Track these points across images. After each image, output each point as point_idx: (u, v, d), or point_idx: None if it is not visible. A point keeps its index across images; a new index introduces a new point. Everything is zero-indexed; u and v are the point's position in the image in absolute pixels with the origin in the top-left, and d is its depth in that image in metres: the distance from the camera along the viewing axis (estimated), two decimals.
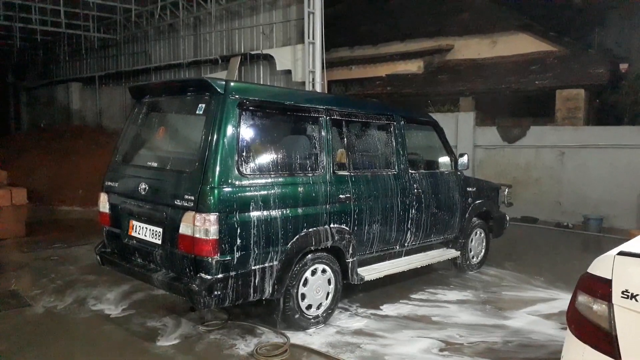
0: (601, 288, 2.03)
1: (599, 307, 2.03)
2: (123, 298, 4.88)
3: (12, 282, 5.42)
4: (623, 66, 13.03)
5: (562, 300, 5.13)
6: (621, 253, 2.03)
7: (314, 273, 4.24)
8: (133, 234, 4.19)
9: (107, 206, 4.48)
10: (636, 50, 13.79)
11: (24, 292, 5.04)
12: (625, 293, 1.95)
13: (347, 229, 4.45)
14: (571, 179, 9.85)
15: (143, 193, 4.05)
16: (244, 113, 3.83)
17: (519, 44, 14.17)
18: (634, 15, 13.96)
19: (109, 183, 4.50)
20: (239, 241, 3.65)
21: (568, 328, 2.19)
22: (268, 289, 3.90)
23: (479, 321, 4.57)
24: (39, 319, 4.38)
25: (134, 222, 4.19)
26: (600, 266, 2.08)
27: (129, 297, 4.91)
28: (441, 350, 3.92)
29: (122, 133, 4.71)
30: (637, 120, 10.69)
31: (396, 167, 5.07)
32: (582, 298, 2.11)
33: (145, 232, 4.06)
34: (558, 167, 10.05)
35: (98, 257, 4.55)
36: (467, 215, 5.97)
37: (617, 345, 1.96)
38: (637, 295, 1.92)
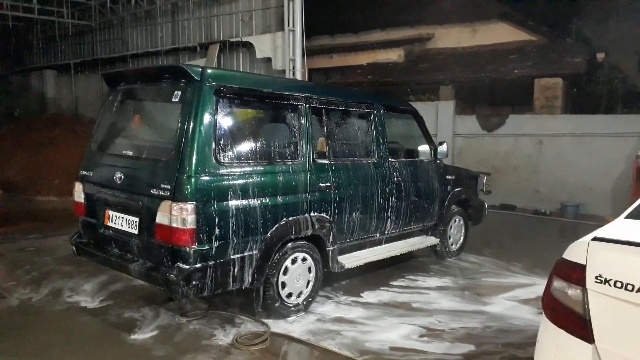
0: (576, 273, 2.05)
1: (573, 292, 2.05)
2: (100, 289, 4.81)
3: None
4: (600, 55, 13.20)
5: (539, 286, 5.21)
6: (595, 239, 2.06)
7: (294, 262, 4.23)
8: (109, 223, 4.11)
9: (83, 196, 4.38)
10: (613, 40, 13.98)
11: None
12: (599, 278, 1.98)
13: (328, 217, 4.43)
14: (549, 166, 9.99)
15: (119, 182, 3.97)
16: (221, 100, 3.77)
17: (499, 33, 14.26)
18: (611, 5, 14.12)
19: (84, 172, 4.40)
20: (217, 230, 3.61)
21: (543, 313, 2.22)
22: (248, 278, 3.87)
23: (459, 307, 4.62)
24: (14, 311, 4.29)
25: (110, 212, 4.11)
26: (575, 252, 2.11)
27: (106, 288, 4.83)
28: (421, 336, 3.96)
29: (97, 121, 4.60)
30: (613, 109, 10.88)
31: (376, 156, 5.06)
32: (557, 283, 2.14)
33: (122, 221, 3.98)
34: (536, 156, 10.18)
35: (74, 248, 4.47)
36: (446, 203, 6.01)
37: (591, 329, 1.99)
38: (611, 280, 1.94)
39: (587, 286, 2.01)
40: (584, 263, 2.03)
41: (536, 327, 2.33)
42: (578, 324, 2.03)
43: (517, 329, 4.14)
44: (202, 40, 11.90)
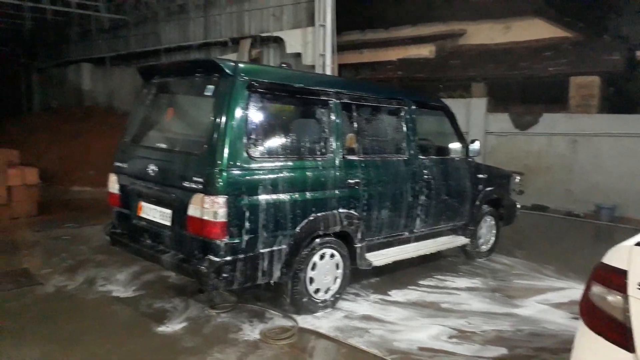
0: (616, 279, 1.98)
1: (613, 298, 1.99)
2: (132, 279, 4.91)
3: (24, 260, 5.48)
4: (639, 53, 12.76)
5: (572, 290, 5.08)
6: (639, 244, 1.99)
7: (322, 257, 4.23)
8: (142, 215, 4.19)
9: (117, 187, 4.48)
10: None
11: (35, 271, 5.09)
12: None
13: (356, 214, 4.42)
14: (583, 167, 9.72)
15: (152, 174, 4.04)
16: (253, 95, 3.78)
17: (533, 30, 13.91)
18: None
19: (119, 164, 4.49)
20: (247, 224, 3.64)
21: (581, 318, 2.16)
22: (276, 273, 3.89)
23: (489, 309, 4.55)
24: (50, 298, 4.42)
25: (143, 204, 4.19)
26: (615, 257, 2.04)
27: (138, 278, 4.93)
28: (451, 337, 3.91)
29: (132, 114, 4.69)
30: None
31: (406, 153, 5.01)
32: (596, 289, 2.07)
33: (155, 213, 4.05)
34: (570, 156, 9.92)
35: (108, 238, 4.57)
36: (477, 202, 5.92)
37: (632, 337, 1.92)
38: None
39: (629, 293, 1.94)
40: (626, 269, 1.96)
41: (570, 332, 2.28)
42: (618, 332, 1.96)
43: (550, 334, 4.04)
44: (233, 35, 11.98)
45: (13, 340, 3.58)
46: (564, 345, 3.47)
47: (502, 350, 3.70)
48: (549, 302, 4.79)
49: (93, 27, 16.08)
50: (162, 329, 3.84)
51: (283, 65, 4.87)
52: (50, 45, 19.28)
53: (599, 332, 2.03)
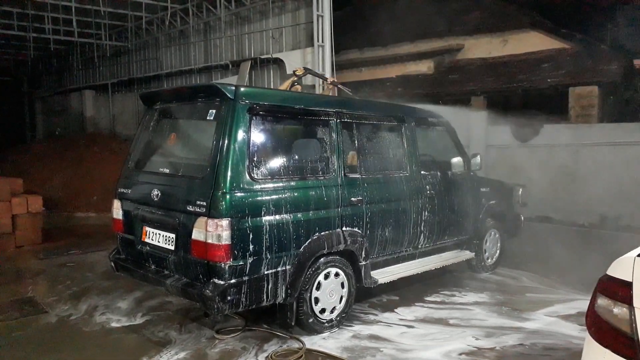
0: (622, 291, 1.98)
1: (619, 310, 1.98)
2: (137, 304, 4.90)
3: (29, 288, 5.48)
4: (637, 62, 12.83)
5: (580, 301, 5.04)
6: None
7: (327, 277, 4.22)
8: (146, 240, 4.21)
9: (121, 213, 4.50)
10: None
11: (40, 299, 5.09)
12: None
13: (360, 232, 4.42)
14: (586, 177, 9.68)
15: (156, 199, 4.06)
16: (254, 118, 3.83)
17: (530, 42, 13.99)
18: None
19: (122, 190, 4.52)
20: (251, 246, 3.65)
21: (587, 331, 2.15)
22: (281, 294, 3.88)
23: (497, 323, 4.51)
24: (55, 326, 4.42)
25: (147, 228, 4.20)
26: (620, 268, 2.03)
27: (143, 304, 4.93)
28: (463, 354, 3.87)
29: (135, 140, 4.74)
30: None
31: (408, 169, 5.03)
32: (602, 301, 2.07)
33: (159, 238, 4.07)
34: (572, 166, 9.90)
35: (112, 264, 4.58)
36: (481, 216, 5.91)
37: (639, 349, 1.91)
38: None
39: (634, 304, 1.93)
40: (630, 280, 1.96)
41: (579, 344, 2.25)
42: (624, 344, 1.95)
43: (558, 346, 4.00)
44: (233, 58, 12.12)
45: None
46: (574, 357, 3.44)
47: None
48: (557, 314, 4.75)
49: (95, 54, 16.31)
50: (167, 355, 3.81)
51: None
52: (52, 74, 19.55)
53: (606, 345, 2.02)
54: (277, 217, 3.80)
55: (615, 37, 15.10)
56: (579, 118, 11.07)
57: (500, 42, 14.74)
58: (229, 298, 3.58)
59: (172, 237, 3.92)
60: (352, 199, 4.37)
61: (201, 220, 3.59)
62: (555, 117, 11.73)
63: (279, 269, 3.84)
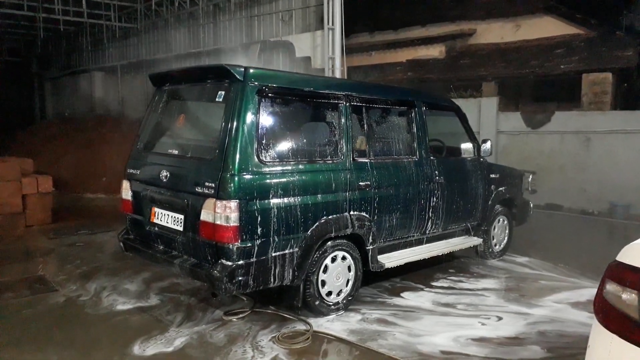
0: (631, 276, 1.96)
1: (628, 296, 1.97)
2: (146, 285, 4.95)
3: (39, 267, 5.56)
4: None
5: (589, 289, 5.02)
6: None
7: (333, 260, 4.23)
8: (155, 220, 4.23)
9: (130, 193, 4.53)
10: None
11: (50, 278, 5.16)
12: None
13: (367, 216, 4.42)
14: (597, 165, 9.61)
15: (164, 180, 4.08)
16: (263, 100, 3.81)
17: (544, 27, 13.76)
18: None
19: (131, 170, 4.54)
20: (259, 228, 3.66)
21: (595, 317, 2.14)
22: (288, 276, 3.90)
23: (505, 309, 4.51)
24: (64, 305, 4.48)
25: (156, 209, 4.23)
26: (629, 254, 2.02)
27: (152, 283, 4.98)
28: (470, 339, 3.86)
29: (143, 121, 4.74)
30: None
31: (417, 154, 5.00)
32: (611, 287, 2.05)
33: (167, 219, 4.09)
34: (583, 153, 9.81)
35: (121, 244, 4.62)
36: (489, 202, 5.88)
37: None
38: None
39: None
40: None
41: (589, 330, 2.25)
42: (632, 330, 1.94)
43: (569, 333, 4.00)
44: (243, 41, 12.07)
45: (31, 347, 3.64)
46: (582, 344, 3.43)
47: (525, 352, 3.67)
48: (565, 301, 4.74)
49: (104, 36, 16.30)
50: (176, 334, 3.85)
51: None
52: (62, 55, 19.59)
53: (613, 331, 2.01)
54: (285, 200, 3.80)
55: (631, 22, 14.80)
56: (592, 105, 10.91)
57: (513, 27, 14.51)
58: (236, 279, 3.60)
59: (181, 218, 3.94)
60: (361, 183, 4.36)
61: (210, 202, 3.60)
62: (567, 104, 11.59)
63: (287, 251, 3.85)
